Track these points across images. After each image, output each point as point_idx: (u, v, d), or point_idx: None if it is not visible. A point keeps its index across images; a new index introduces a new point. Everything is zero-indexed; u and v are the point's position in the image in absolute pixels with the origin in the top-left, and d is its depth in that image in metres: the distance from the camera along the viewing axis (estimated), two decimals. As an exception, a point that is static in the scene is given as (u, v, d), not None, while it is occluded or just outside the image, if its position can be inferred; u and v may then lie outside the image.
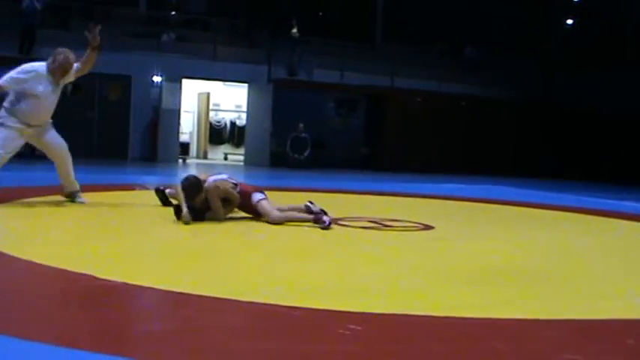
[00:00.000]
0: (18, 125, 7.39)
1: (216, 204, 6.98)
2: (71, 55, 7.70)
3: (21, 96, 7.36)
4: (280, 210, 7.23)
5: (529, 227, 8.41)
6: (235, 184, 7.17)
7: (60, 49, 7.71)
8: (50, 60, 7.58)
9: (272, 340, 3.21)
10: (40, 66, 7.55)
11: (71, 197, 7.88)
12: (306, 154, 21.51)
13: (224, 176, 7.28)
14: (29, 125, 7.48)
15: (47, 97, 7.51)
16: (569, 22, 29.11)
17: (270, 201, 7.27)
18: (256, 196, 7.16)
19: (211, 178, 7.09)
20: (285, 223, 7.07)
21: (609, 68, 24.34)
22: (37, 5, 18.95)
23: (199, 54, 22.08)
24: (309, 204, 7.33)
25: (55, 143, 7.79)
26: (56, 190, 8.07)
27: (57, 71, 7.56)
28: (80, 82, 20.34)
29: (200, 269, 4.80)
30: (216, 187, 6.98)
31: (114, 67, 20.46)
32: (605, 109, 23.29)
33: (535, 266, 5.60)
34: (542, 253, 6.37)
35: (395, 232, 7.17)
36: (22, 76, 7.35)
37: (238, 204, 7.18)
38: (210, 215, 6.98)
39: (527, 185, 16.61)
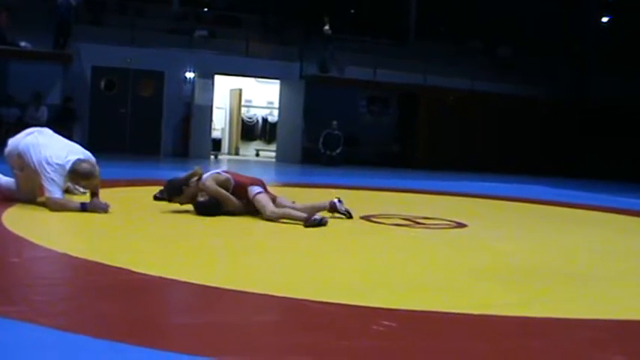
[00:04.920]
0: None
1: (223, 194, 6.99)
2: (96, 172, 6.97)
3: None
4: (280, 205, 7.06)
5: (563, 227, 8.35)
6: (228, 178, 7.11)
7: (86, 170, 6.88)
8: (72, 174, 6.86)
9: (305, 336, 3.21)
10: (60, 170, 6.79)
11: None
12: (338, 151, 21.48)
13: (218, 170, 7.31)
14: None
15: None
16: (604, 19, 28.81)
17: (268, 194, 7.11)
18: (253, 190, 7.02)
19: (205, 176, 7.10)
20: (283, 220, 6.88)
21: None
22: (72, 1, 19.09)
23: (232, 50, 22.11)
24: (335, 201, 7.31)
25: None
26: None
27: (77, 182, 7.17)
28: (113, 79, 20.66)
29: (232, 264, 4.81)
30: (213, 180, 7.02)
31: (147, 63, 20.59)
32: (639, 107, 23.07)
33: (569, 265, 5.56)
34: (576, 253, 6.31)
35: (428, 230, 7.15)
36: (61, 172, 6.76)
37: (236, 197, 7.08)
38: (225, 208, 7.04)
39: (561, 185, 16.48)
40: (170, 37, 21.75)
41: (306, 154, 21.85)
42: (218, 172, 7.21)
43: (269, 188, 7.35)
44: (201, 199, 7.06)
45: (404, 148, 23.45)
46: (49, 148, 6.88)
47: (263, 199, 6.97)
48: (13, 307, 3.34)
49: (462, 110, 22.94)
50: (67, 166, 6.79)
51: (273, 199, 7.10)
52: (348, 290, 4.11)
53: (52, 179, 6.71)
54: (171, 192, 7.17)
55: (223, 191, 7.00)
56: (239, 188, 7.07)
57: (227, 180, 7.09)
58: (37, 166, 6.74)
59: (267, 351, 2.95)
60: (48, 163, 6.72)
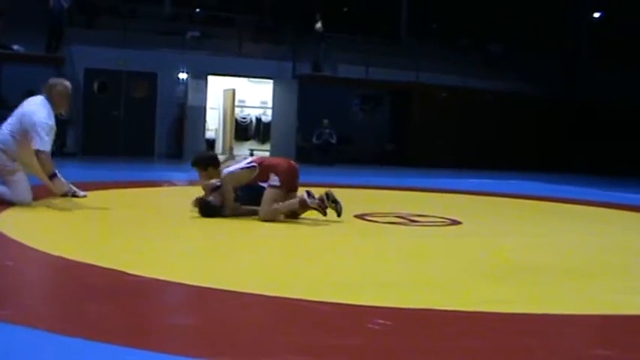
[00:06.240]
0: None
1: (229, 202, 6.93)
2: (67, 82, 7.29)
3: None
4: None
5: (557, 222, 8.37)
6: (253, 168, 6.93)
7: (52, 81, 7.24)
8: (49, 95, 7.11)
9: (300, 335, 3.21)
10: (48, 108, 7.03)
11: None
12: (330, 146, 21.53)
13: (240, 165, 7.05)
14: None
15: None
16: (596, 15, 28.85)
17: (277, 188, 6.83)
18: (271, 180, 6.84)
19: (227, 170, 6.98)
20: (279, 216, 6.84)
21: (634, 63, 24.17)
22: (64, 4, 19.06)
23: (224, 51, 22.11)
24: (305, 197, 6.88)
25: None
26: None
27: (62, 105, 7.21)
28: (106, 81, 20.62)
29: (227, 265, 4.81)
30: (232, 180, 6.93)
31: (139, 65, 20.56)
32: (630, 103, 23.11)
33: (562, 261, 5.56)
34: (571, 248, 6.32)
35: (422, 228, 7.15)
36: (51, 126, 6.93)
37: (258, 180, 6.98)
38: (226, 211, 6.97)
39: (553, 180, 16.50)
40: (162, 39, 21.74)
41: (300, 154, 21.84)
42: (242, 168, 6.99)
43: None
44: (210, 198, 7.02)
45: (397, 146, 23.46)
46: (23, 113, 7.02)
47: (269, 197, 6.85)
48: (7, 310, 3.33)
49: (454, 107, 22.95)
50: (47, 103, 7.00)
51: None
52: (342, 289, 4.11)
53: (45, 124, 6.81)
54: (200, 161, 7.13)
55: (232, 201, 6.92)
56: (265, 172, 6.89)
57: (251, 171, 6.92)
58: (29, 126, 6.80)
59: (262, 351, 2.95)
60: (38, 118, 6.85)
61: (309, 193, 6.89)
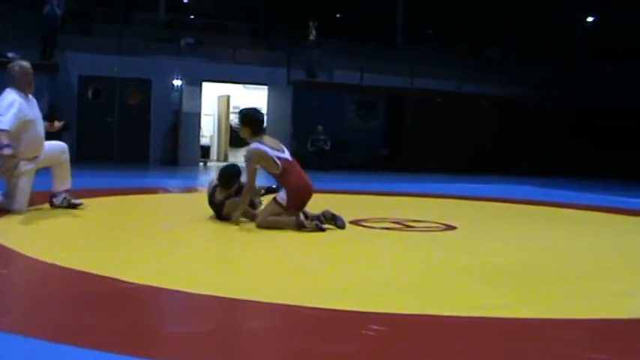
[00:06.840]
0: (31, 166, 7.06)
1: (252, 174, 6.81)
2: (23, 62, 7.26)
3: (20, 132, 6.85)
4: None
5: (552, 226, 8.36)
6: (277, 165, 6.85)
7: (9, 66, 7.14)
8: (10, 80, 7.05)
9: (295, 341, 3.21)
10: (10, 92, 6.98)
11: (65, 204, 7.49)
12: (324, 154, 21.55)
13: (273, 153, 6.90)
14: (37, 157, 7.13)
15: (37, 115, 7.20)
16: (590, 19, 28.95)
17: (281, 207, 6.77)
18: (280, 196, 6.78)
19: (259, 145, 6.87)
20: (272, 228, 6.67)
21: (628, 64, 24.25)
22: (58, 11, 19.07)
23: (219, 57, 22.13)
24: (302, 219, 6.79)
25: (57, 149, 7.51)
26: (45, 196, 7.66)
27: (24, 84, 7.09)
28: (100, 88, 20.60)
29: (222, 271, 4.80)
30: (261, 153, 6.84)
31: (134, 72, 20.56)
32: (625, 106, 23.18)
33: (558, 266, 5.56)
34: (566, 253, 6.32)
35: (418, 233, 7.14)
36: (17, 106, 6.83)
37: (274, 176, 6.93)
38: (229, 203, 6.92)
39: (549, 184, 16.51)
40: (157, 45, 21.76)
41: (295, 159, 21.80)
42: (271, 156, 6.87)
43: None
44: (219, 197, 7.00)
45: (392, 152, 23.46)
46: None
47: (269, 210, 6.81)
48: (1, 318, 3.32)
49: (449, 112, 22.98)
50: (11, 90, 6.96)
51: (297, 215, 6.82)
52: (337, 295, 4.11)
53: (1, 106, 6.75)
54: (244, 116, 7.09)
55: (254, 182, 6.87)
56: (281, 177, 6.86)
57: (276, 167, 6.85)
58: None
59: (257, 357, 2.94)
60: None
61: (306, 216, 6.84)
